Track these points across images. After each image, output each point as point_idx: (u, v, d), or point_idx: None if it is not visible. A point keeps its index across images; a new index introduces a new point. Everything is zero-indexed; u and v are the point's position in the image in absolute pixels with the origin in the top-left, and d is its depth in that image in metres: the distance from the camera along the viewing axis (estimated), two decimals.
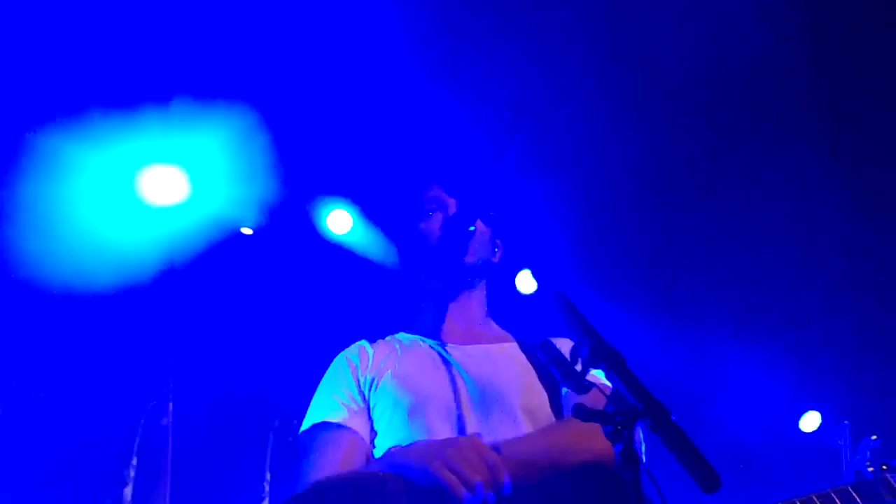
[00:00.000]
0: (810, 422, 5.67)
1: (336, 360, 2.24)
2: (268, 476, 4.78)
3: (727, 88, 4.43)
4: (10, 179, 4.15)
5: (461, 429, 1.94)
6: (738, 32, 4.06)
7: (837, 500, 1.98)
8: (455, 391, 2.02)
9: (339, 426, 2.01)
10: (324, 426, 2.03)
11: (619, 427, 1.33)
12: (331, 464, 1.92)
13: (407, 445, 1.81)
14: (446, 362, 2.13)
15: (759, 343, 5.39)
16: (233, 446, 4.91)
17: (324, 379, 2.19)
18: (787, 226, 5.05)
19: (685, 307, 5.34)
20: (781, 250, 5.10)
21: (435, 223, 2.27)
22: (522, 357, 2.18)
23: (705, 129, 4.71)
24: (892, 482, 2.08)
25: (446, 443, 1.69)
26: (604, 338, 1.46)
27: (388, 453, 1.81)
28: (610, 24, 4.17)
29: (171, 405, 4.93)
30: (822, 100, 4.48)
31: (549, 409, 2.05)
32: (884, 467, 2.13)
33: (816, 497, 1.98)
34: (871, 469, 2.09)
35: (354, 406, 2.06)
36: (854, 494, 2.01)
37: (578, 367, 1.46)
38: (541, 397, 2.06)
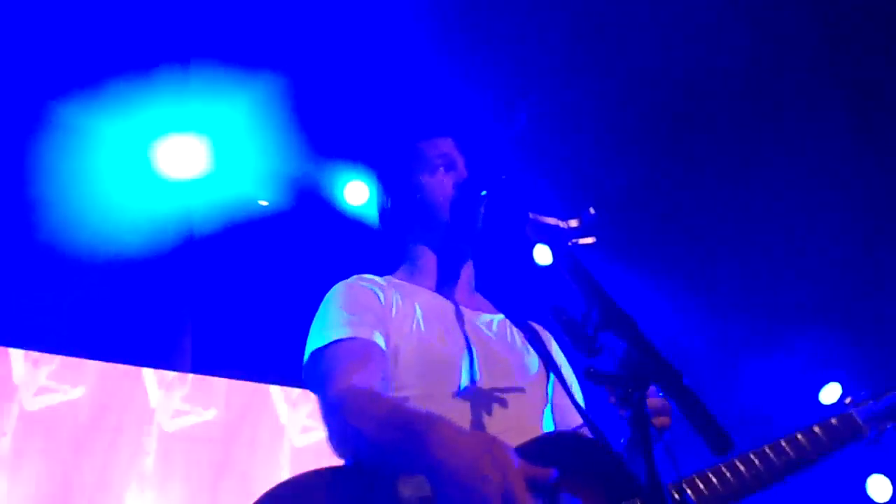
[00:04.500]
0: (831, 394, 5.61)
1: (346, 284, 2.03)
2: None
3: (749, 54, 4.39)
4: (31, 150, 4.18)
5: (476, 395, 1.87)
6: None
7: (804, 441, 1.99)
8: (471, 355, 1.95)
9: (356, 339, 1.82)
10: (340, 342, 1.81)
11: (630, 390, 1.32)
12: (358, 370, 1.73)
13: (455, 439, 1.46)
14: (472, 325, 2.05)
15: (779, 316, 5.35)
16: None
17: (331, 299, 1.97)
18: (810, 201, 5.00)
19: (702, 278, 5.30)
20: (799, 225, 5.06)
21: (446, 180, 2.15)
22: (519, 334, 2.13)
23: (727, 102, 4.67)
24: (857, 417, 2.08)
25: (496, 468, 1.37)
26: (616, 301, 1.45)
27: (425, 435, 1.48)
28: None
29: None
30: (841, 69, 4.44)
31: (544, 385, 2.04)
32: (847, 401, 2.14)
33: (783, 441, 1.99)
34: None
35: (371, 319, 1.89)
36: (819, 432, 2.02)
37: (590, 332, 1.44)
38: (539, 374, 2.06)
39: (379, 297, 1.97)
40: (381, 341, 1.86)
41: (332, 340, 1.83)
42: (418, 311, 2.01)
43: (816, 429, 2.03)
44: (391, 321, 1.94)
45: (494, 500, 1.33)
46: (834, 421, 2.06)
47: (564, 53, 4.33)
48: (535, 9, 4.20)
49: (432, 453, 1.43)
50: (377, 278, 2.09)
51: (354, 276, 2.08)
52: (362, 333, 1.84)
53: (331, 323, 1.88)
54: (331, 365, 1.79)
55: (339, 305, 1.93)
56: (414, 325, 1.97)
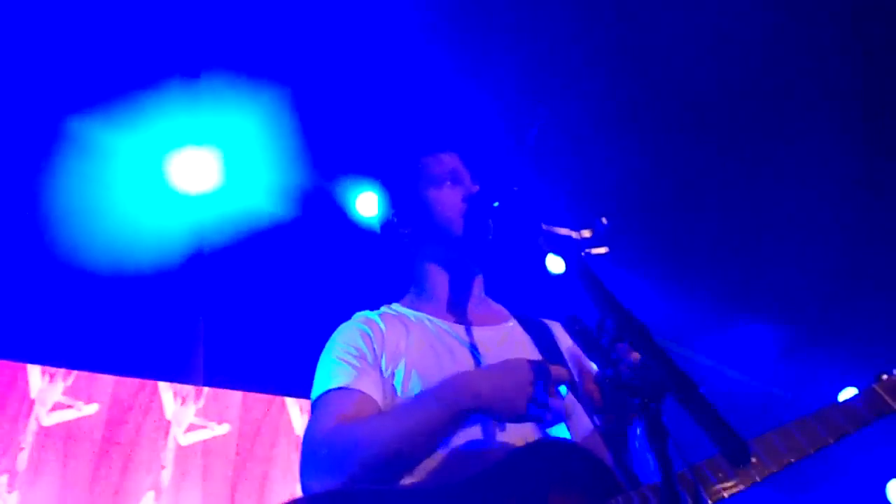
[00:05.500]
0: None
1: (344, 328, 2.09)
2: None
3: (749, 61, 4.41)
4: (45, 166, 4.22)
5: (488, 422, 1.86)
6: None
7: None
8: None
9: (346, 389, 1.89)
10: (330, 392, 1.90)
11: (647, 400, 1.31)
12: (334, 420, 1.83)
13: (447, 385, 1.76)
14: (466, 346, 2.03)
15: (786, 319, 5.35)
16: None
17: (329, 347, 2.04)
18: (812, 199, 5.00)
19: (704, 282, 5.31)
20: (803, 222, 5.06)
21: (454, 194, 2.14)
22: (527, 338, 2.11)
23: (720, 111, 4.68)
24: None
25: (505, 374, 1.73)
26: (630, 311, 1.44)
27: (436, 395, 1.75)
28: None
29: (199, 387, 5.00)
30: (847, 71, 4.44)
31: None
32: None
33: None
34: None
35: (365, 366, 1.95)
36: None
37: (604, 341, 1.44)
38: None
39: (372, 339, 2.02)
40: (369, 387, 1.91)
41: (323, 392, 1.92)
42: (418, 342, 2.02)
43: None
44: (386, 359, 1.98)
45: (528, 378, 1.70)
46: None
47: (574, 63, 4.34)
48: (546, 18, 4.20)
49: (464, 397, 1.71)
50: (375, 316, 2.11)
51: (354, 316, 2.13)
52: (351, 383, 1.90)
53: (324, 373, 1.97)
54: (320, 414, 1.88)
55: (333, 354, 2.00)
56: (412, 357, 1.98)
